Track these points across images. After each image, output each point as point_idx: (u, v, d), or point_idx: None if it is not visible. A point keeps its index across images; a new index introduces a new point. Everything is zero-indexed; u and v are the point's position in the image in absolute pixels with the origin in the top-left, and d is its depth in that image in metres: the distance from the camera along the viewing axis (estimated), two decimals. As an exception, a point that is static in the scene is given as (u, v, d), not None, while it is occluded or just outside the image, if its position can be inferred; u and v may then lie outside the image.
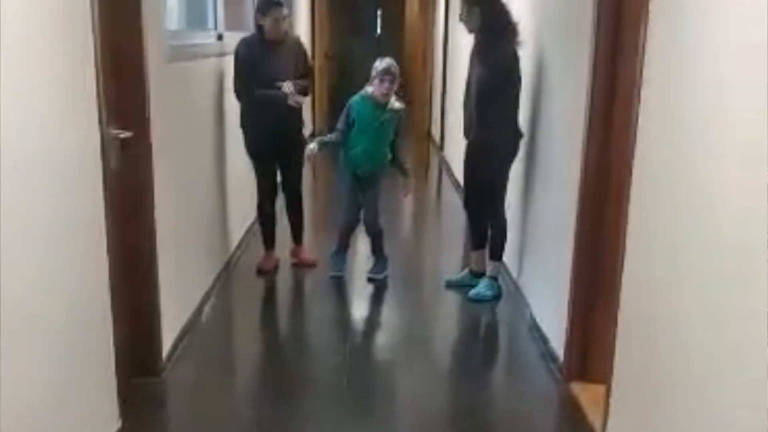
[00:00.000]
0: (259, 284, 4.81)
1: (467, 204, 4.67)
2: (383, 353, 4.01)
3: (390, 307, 4.69)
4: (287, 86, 4.46)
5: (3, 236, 1.96)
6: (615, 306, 2.75)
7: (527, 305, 4.24)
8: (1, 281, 1.95)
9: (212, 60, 4.55)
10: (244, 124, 4.69)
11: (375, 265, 4.86)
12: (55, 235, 2.32)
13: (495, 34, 4.14)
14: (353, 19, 13.69)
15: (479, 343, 4.16)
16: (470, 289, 4.53)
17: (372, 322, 4.46)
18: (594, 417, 3.03)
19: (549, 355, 3.67)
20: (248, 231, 5.45)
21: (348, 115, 4.60)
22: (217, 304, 4.35)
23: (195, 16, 4.76)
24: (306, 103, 4.97)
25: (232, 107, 4.67)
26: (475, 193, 4.50)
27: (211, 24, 4.79)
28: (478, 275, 4.60)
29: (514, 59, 4.14)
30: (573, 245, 3.32)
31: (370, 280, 4.82)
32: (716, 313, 1.98)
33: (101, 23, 2.62)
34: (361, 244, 5.09)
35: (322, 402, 3.33)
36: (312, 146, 4.58)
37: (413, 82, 11.57)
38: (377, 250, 4.84)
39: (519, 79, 4.17)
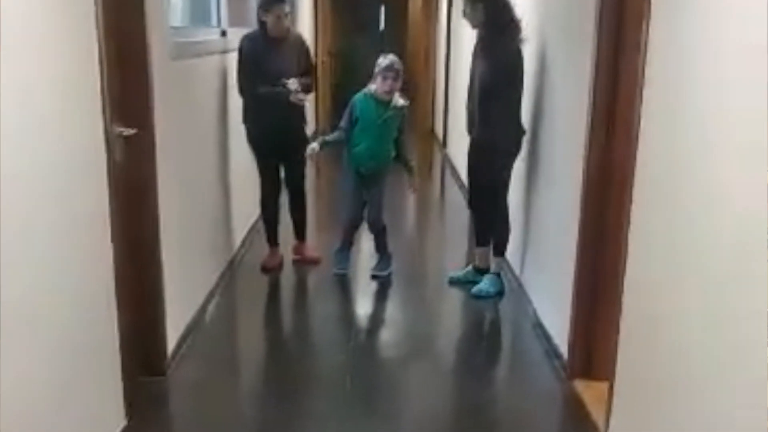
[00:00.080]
0: (264, 282, 4.81)
1: (471, 201, 4.66)
2: (387, 351, 4.01)
3: (393, 304, 4.69)
4: (293, 83, 4.46)
5: (6, 233, 1.96)
6: (618, 304, 2.75)
7: (530, 302, 4.23)
8: (3, 279, 1.95)
9: (216, 56, 4.55)
10: (247, 120, 4.69)
11: (379, 262, 4.86)
12: (59, 232, 2.33)
13: (498, 30, 4.14)
14: (356, 16, 13.68)
15: (482, 341, 4.16)
16: (473, 286, 4.53)
17: (376, 319, 4.47)
18: (597, 414, 3.03)
19: (552, 352, 3.67)
20: (252, 228, 5.45)
21: (351, 113, 4.60)
22: (221, 302, 4.35)
23: (199, 13, 4.76)
24: (309, 100, 4.97)
25: (236, 104, 4.67)
26: (478, 189, 4.50)
27: (214, 20, 4.79)
28: (482, 272, 4.60)
29: (518, 56, 4.13)
30: (576, 243, 3.32)
31: (373, 277, 4.82)
32: (717, 312, 1.98)
33: (105, 19, 2.62)
34: (365, 241, 5.09)
35: (325, 401, 3.33)
36: (314, 146, 4.58)
37: (416, 78, 11.55)
38: (381, 247, 4.84)
39: (522, 76, 4.17)
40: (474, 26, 4.34)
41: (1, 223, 1.93)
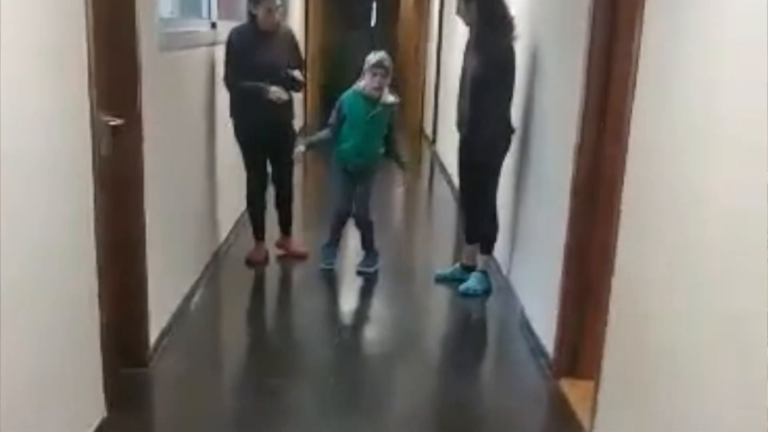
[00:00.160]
0: (249, 275, 4.78)
1: (461, 198, 4.66)
2: (372, 347, 4.00)
3: (380, 300, 4.68)
4: (274, 90, 4.40)
5: (-11, 222, 1.93)
6: (605, 303, 2.74)
7: (517, 301, 4.23)
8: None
9: (205, 49, 4.51)
10: (234, 114, 4.66)
11: (365, 258, 4.84)
12: (43, 222, 2.30)
13: (491, 27, 4.13)
14: (347, 12, 13.64)
15: (469, 339, 4.15)
16: (460, 284, 4.53)
17: (361, 315, 4.45)
18: (583, 413, 3.03)
19: (538, 350, 3.66)
20: (238, 222, 5.42)
21: (339, 110, 4.59)
22: (205, 294, 4.32)
23: (189, 4, 4.72)
24: (297, 96, 4.94)
25: (224, 97, 4.63)
26: (468, 186, 4.50)
27: (204, 12, 4.75)
28: (469, 269, 4.59)
29: (510, 53, 4.13)
30: (564, 242, 3.31)
31: (359, 273, 4.80)
32: (704, 311, 1.98)
33: (94, 9, 2.59)
34: (352, 237, 5.07)
35: (309, 396, 3.32)
36: (300, 148, 4.62)
37: (407, 75, 11.53)
38: (367, 243, 4.82)
39: (513, 73, 4.16)
40: (467, 23, 4.33)
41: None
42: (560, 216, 3.36)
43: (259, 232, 4.92)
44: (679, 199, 2.18)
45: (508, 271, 4.57)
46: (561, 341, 3.38)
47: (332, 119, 4.63)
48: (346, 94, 4.60)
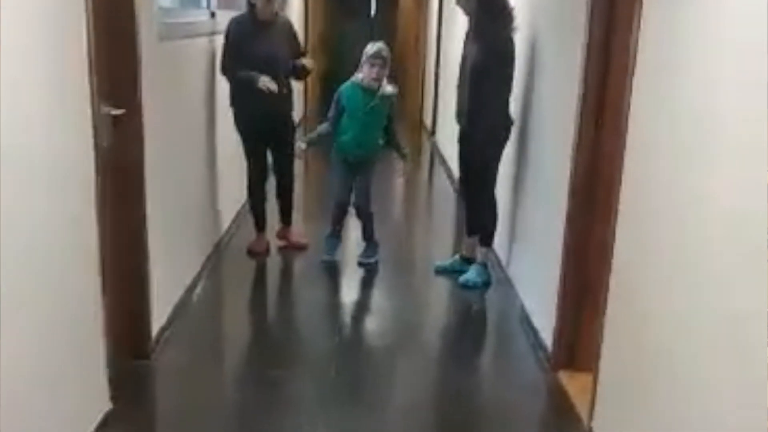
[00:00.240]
0: (250, 266, 4.79)
1: (461, 189, 4.66)
2: (373, 339, 4.02)
3: (380, 292, 4.69)
4: (264, 80, 4.37)
5: (-8, 215, 1.94)
6: (603, 296, 2.75)
7: (516, 294, 4.24)
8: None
9: (205, 38, 4.50)
10: (234, 103, 4.66)
11: (365, 249, 4.85)
12: (44, 215, 2.30)
13: (491, 18, 4.13)
14: (347, 2, 13.59)
15: (468, 331, 4.16)
16: (460, 275, 4.53)
17: (362, 307, 4.46)
18: (581, 405, 3.04)
19: (537, 343, 3.68)
20: (239, 213, 5.42)
21: (338, 102, 4.59)
22: (207, 285, 4.33)
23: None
24: (297, 86, 4.94)
25: (224, 87, 4.63)
26: (468, 178, 4.50)
27: (204, 2, 4.73)
28: (469, 261, 4.60)
29: (509, 44, 4.13)
30: (563, 235, 3.32)
31: (360, 264, 4.81)
32: (702, 307, 1.99)
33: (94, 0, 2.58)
34: (353, 228, 5.08)
35: (310, 387, 3.33)
36: (301, 146, 4.67)
37: (407, 66, 11.51)
38: (368, 234, 4.83)
39: (512, 63, 4.16)
40: (467, 13, 4.33)
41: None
42: (558, 211, 3.36)
43: (260, 223, 4.93)
44: (677, 196, 2.18)
45: (507, 264, 4.58)
46: (560, 334, 3.40)
47: (331, 112, 4.63)
48: (345, 86, 4.60)
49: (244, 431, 2.99)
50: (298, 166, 5.06)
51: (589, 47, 3.10)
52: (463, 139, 4.43)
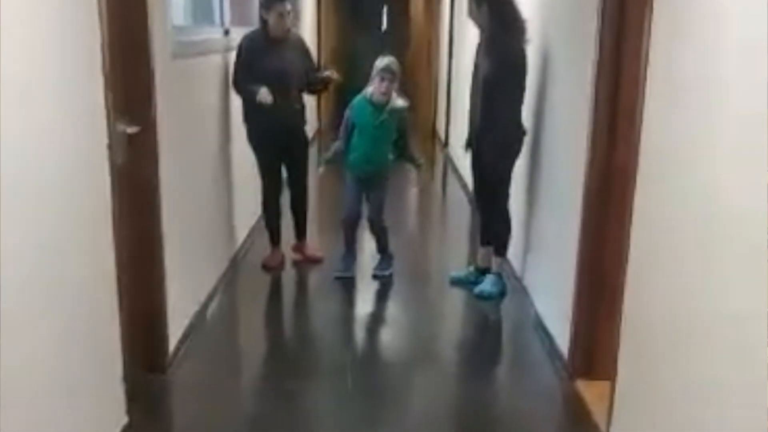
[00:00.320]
0: (265, 281, 4.81)
1: (476, 199, 4.67)
2: (388, 351, 4.02)
3: (395, 304, 4.69)
4: (262, 92, 4.39)
5: (10, 230, 1.96)
6: (620, 303, 2.74)
7: (532, 303, 4.23)
8: (4, 277, 1.95)
9: (219, 55, 4.55)
10: (247, 119, 4.70)
11: (380, 262, 4.86)
12: (62, 231, 2.33)
13: (503, 30, 4.14)
14: (359, 16, 13.67)
15: (484, 341, 4.15)
16: (475, 286, 4.53)
17: (377, 319, 4.47)
18: (599, 414, 3.02)
19: (554, 352, 3.66)
20: (254, 227, 5.45)
21: (348, 119, 4.61)
22: (223, 300, 4.35)
23: (201, 11, 4.76)
24: (310, 100, 5.00)
25: (238, 103, 4.67)
26: (483, 189, 4.51)
27: (217, 19, 4.79)
28: (483, 272, 4.59)
29: (521, 55, 4.13)
30: (577, 243, 3.32)
31: (375, 277, 4.82)
32: (719, 313, 1.98)
33: (108, 18, 2.62)
34: (367, 241, 5.09)
35: (327, 400, 3.34)
36: (320, 169, 4.83)
37: (419, 78, 11.54)
38: (382, 247, 4.84)
39: (525, 75, 4.17)
40: (479, 25, 4.34)
41: (3, 222, 1.93)
42: (573, 219, 3.35)
43: (274, 238, 4.95)
44: (693, 201, 2.18)
45: (522, 274, 4.57)
46: (576, 342, 3.38)
47: (342, 130, 4.66)
48: (356, 100, 4.62)
49: (261, 444, 3.00)
50: (312, 180, 5.08)
51: (601, 55, 3.11)
52: (476, 150, 4.44)
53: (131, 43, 3.03)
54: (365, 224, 4.83)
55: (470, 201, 6.25)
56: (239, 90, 4.57)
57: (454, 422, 3.29)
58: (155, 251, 3.26)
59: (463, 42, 7.40)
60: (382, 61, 4.52)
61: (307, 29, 9.07)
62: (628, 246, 2.67)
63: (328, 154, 4.81)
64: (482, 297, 4.46)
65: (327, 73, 4.89)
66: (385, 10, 14.22)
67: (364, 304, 4.65)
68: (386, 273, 4.82)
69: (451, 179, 8.10)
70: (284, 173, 4.93)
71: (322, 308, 4.49)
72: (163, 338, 3.37)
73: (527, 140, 4.29)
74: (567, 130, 3.72)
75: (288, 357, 3.82)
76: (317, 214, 6.11)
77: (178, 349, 3.55)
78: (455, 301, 4.59)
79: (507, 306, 4.42)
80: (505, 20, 4.14)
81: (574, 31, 3.65)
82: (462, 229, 6.12)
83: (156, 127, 3.17)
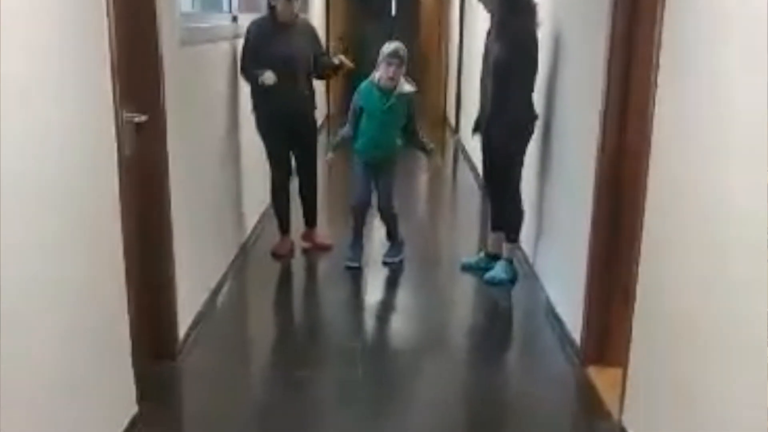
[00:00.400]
0: (275, 268, 4.81)
1: (487, 185, 4.65)
2: (399, 338, 4.01)
3: (405, 290, 4.68)
4: (266, 75, 4.39)
5: (17, 221, 1.96)
6: (632, 290, 2.72)
7: (543, 289, 4.21)
8: (13, 265, 1.95)
9: (227, 42, 4.53)
10: (256, 107, 4.68)
11: (390, 248, 4.85)
12: (70, 219, 2.32)
13: (514, 13, 4.10)
14: (368, 2, 13.58)
15: (495, 327, 4.14)
16: (486, 272, 4.51)
17: (387, 306, 4.46)
18: (611, 401, 3.01)
19: (565, 338, 3.65)
20: (263, 215, 5.45)
21: (356, 104, 4.58)
22: (233, 287, 4.35)
23: (210, -2, 4.75)
24: (319, 86, 4.97)
25: (246, 90, 4.65)
26: (494, 174, 4.48)
27: (225, 6, 4.77)
28: (494, 258, 4.57)
29: (532, 39, 4.10)
30: (589, 230, 3.29)
31: (385, 263, 4.80)
32: (731, 303, 1.96)
33: (115, 6, 2.60)
34: (377, 228, 5.08)
35: (337, 388, 3.33)
36: (329, 156, 4.69)
37: (429, 64, 11.48)
38: (392, 234, 4.83)
39: (536, 58, 4.13)
40: (489, 10, 4.31)
41: (11, 212, 1.93)
42: (584, 205, 3.33)
43: (284, 225, 4.94)
44: (705, 187, 2.15)
45: (534, 260, 4.54)
46: (588, 329, 3.37)
47: (350, 116, 4.63)
48: (363, 85, 4.59)
49: (272, 432, 3.00)
50: (321, 167, 5.07)
51: (613, 40, 3.07)
52: (488, 135, 4.41)
53: (139, 31, 3.01)
54: (374, 210, 4.81)
55: (480, 187, 6.22)
56: (246, 75, 4.55)
57: (466, 408, 3.28)
58: (164, 239, 3.26)
59: (473, 28, 7.35)
60: (389, 47, 4.49)
61: (316, 16, 9.03)
62: (641, 231, 2.65)
63: (336, 140, 4.80)
64: (493, 283, 4.44)
65: (340, 58, 4.87)
66: (394, -5, 14.11)
67: (374, 292, 4.64)
68: (396, 259, 4.81)
69: (462, 165, 8.07)
70: (293, 160, 4.91)
71: (332, 296, 4.49)
72: (173, 325, 3.37)
73: (539, 125, 4.25)
74: (579, 115, 3.68)
75: (298, 345, 3.82)
76: (327, 201, 6.10)
77: (188, 336, 3.55)
78: (466, 288, 4.58)
79: (518, 292, 4.40)
80: (515, 3, 4.10)
81: (586, 14, 3.60)
82: (473, 215, 6.09)
83: (164, 114, 3.15)
